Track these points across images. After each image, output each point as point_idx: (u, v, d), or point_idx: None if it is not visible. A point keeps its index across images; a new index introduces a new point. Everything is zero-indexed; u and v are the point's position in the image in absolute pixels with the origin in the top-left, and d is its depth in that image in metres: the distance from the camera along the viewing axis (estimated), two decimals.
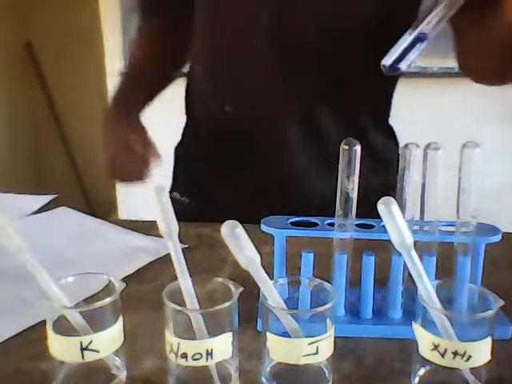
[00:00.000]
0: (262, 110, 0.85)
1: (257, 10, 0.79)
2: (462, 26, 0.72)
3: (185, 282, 0.46)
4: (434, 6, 0.47)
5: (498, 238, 0.56)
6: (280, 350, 0.45)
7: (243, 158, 0.88)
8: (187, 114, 0.96)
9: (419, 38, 0.46)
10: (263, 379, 0.48)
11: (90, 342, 0.45)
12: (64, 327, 0.46)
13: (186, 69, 0.98)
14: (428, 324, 0.45)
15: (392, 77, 0.81)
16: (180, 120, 0.97)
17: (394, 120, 0.91)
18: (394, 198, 0.42)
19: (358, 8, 0.76)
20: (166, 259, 0.48)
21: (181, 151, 0.98)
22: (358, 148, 0.51)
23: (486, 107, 2.36)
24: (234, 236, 0.42)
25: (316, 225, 0.58)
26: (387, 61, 0.47)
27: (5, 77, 2.43)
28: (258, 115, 0.85)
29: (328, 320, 0.46)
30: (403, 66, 0.47)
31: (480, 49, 0.72)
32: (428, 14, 0.47)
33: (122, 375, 0.49)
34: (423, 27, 0.47)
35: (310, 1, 0.78)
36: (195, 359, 0.45)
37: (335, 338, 0.46)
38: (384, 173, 0.87)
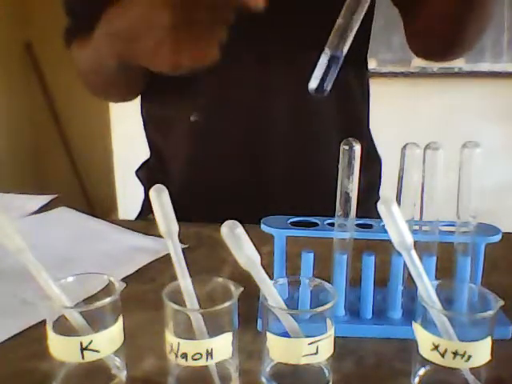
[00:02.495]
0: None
1: None
2: (406, 7, 0.81)
3: (185, 282, 0.46)
4: (340, 24, 0.48)
5: (497, 237, 0.56)
6: (280, 349, 0.45)
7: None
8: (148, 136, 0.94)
9: (335, 58, 0.48)
10: (263, 379, 0.48)
11: (90, 342, 0.45)
12: (64, 327, 0.46)
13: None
14: (428, 324, 0.45)
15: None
16: None
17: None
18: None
19: None
20: (166, 259, 0.48)
21: (146, 174, 0.97)
22: (358, 148, 0.51)
23: (486, 107, 2.37)
24: (234, 236, 0.42)
25: (316, 225, 0.58)
26: (313, 84, 0.49)
27: (5, 77, 2.43)
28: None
29: (328, 320, 0.46)
30: (328, 86, 0.49)
31: (422, 26, 0.79)
32: (337, 33, 0.48)
33: (122, 375, 0.49)
34: (336, 47, 0.48)
35: None
36: (195, 359, 0.44)
37: (335, 337, 0.46)
38: None
